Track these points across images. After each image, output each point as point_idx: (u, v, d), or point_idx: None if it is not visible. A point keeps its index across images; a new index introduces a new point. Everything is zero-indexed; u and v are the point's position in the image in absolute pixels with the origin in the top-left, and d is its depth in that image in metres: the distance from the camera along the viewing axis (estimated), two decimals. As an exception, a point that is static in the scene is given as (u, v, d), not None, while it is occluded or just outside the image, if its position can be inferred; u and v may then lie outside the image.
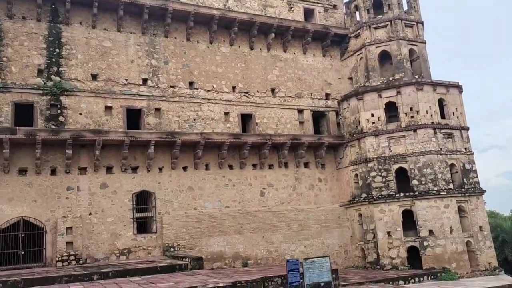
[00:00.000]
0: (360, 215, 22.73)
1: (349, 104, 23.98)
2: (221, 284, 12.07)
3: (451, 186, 21.61)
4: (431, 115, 22.27)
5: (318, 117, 25.24)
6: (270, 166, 22.73)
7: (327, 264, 13.89)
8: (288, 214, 22.35)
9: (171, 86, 21.33)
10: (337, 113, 25.07)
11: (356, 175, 23.19)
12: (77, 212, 18.24)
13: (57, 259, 17.20)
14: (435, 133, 22.06)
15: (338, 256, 22.90)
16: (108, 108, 19.75)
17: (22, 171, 17.75)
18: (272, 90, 23.79)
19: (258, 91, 23.35)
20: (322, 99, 25.06)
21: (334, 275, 15.71)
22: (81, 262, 17.50)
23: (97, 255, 18.17)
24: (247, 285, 12.30)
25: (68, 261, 17.26)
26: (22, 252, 17.06)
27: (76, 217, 18.06)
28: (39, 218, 17.61)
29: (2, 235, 16.97)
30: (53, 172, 18.26)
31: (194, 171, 20.91)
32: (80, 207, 18.37)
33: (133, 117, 20.43)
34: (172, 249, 19.24)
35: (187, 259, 16.40)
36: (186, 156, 20.74)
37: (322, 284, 15.36)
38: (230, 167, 21.77)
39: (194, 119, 21.52)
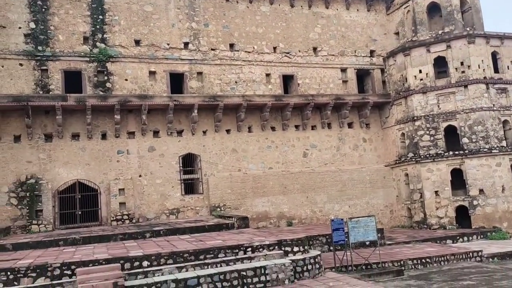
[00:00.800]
0: (406, 174, 22.31)
1: (395, 60, 23.06)
2: (267, 242, 12.37)
3: (504, 143, 20.64)
4: (483, 69, 21.05)
5: (362, 75, 24.51)
6: (313, 127, 22.54)
7: (372, 224, 13.88)
8: (332, 174, 22.29)
9: (212, 49, 21.30)
10: (382, 71, 24.24)
11: (403, 134, 22.59)
12: (128, 174, 19.06)
13: (112, 219, 18.21)
14: (488, 88, 20.92)
15: (384, 216, 22.78)
16: (152, 73, 20.10)
17: (75, 136, 18.61)
18: (314, 49, 23.22)
19: (299, 51, 22.88)
20: (366, 56, 24.23)
21: (379, 234, 15.73)
22: (133, 221, 18.45)
23: (148, 214, 19.07)
24: (292, 243, 12.53)
25: (122, 220, 18.24)
26: (79, 212, 18.17)
27: (127, 179, 18.90)
28: (93, 180, 18.57)
29: (61, 197, 18.09)
30: (104, 136, 19.02)
31: (237, 133, 21.12)
32: (131, 170, 19.16)
33: (176, 82, 20.71)
34: (218, 209, 19.83)
35: (233, 218, 16.87)
36: (229, 119, 20.93)
37: (367, 243, 15.47)
38: (273, 129, 21.79)
39: (236, 82, 21.51)
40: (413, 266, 14.36)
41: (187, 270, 11.07)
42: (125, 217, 18.35)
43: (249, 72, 21.80)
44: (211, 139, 20.64)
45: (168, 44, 20.52)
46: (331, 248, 14.72)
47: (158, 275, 10.73)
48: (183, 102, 19.43)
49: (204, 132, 20.58)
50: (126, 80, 19.65)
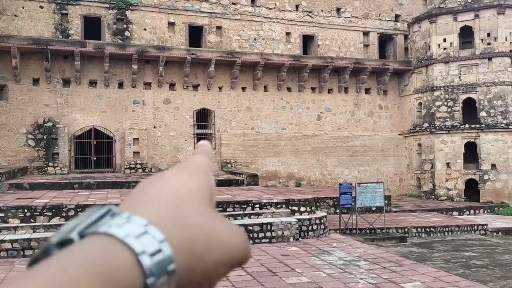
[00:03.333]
0: (419, 144, 22.21)
1: (420, 27, 22.39)
2: (275, 200, 12.63)
3: (523, 120, 20.32)
4: (510, 42, 20.37)
5: (385, 40, 23.93)
6: (330, 91, 22.34)
7: (380, 190, 14.01)
8: (344, 139, 22.29)
9: (233, 3, 20.87)
10: (405, 37, 23.61)
11: (420, 103, 22.30)
12: (143, 124, 19.31)
13: (125, 167, 18.64)
14: (513, 62, 20.35)
15: (392, 183, 22.91)
16: (171, 25, 19.88)
17: (92, 83, 18.76)
18: (338, 9, 22.61)
19: (322, 10, 22.30)
20: (390, 20, 23.54)
21: (386, 201, 15.89)
22: (146, 170, 18.87)
23: (161, 165, 19.46)
24: (299, 203, 12.77)
25: (135, 169, 18.67)
26: (94, 158, 18.62)
27: (142, 129, 19.17)
28: (108, 128, 18.87)
29: (76, 141, 18.50)
30: (120, 85, 19.13)
31: (252, 91, 21.05)
32: (146, 120, 19.39)
33: (195, 35, 20.48)
34: (229, 165, 20.13)
35: (243, 175, 17.15)
36: (245, 77, 20.81)
37: (373, 208, 15.67)
38: (289, 89, 21.65)
39: (255, 39, 21.20)
40: (416, 234, 14.59)
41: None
42: (138, 166, 18.76)
43: (269, 30, 21.42)
44: (226, 96, 20.63)
45: (188, -5, 20.17)
46: (337, 211, 14.98)
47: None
48: (200, 56, 19.30)
49: (220, 88, 20.55)
50: (145, 29, 19.50)
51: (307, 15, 22.03)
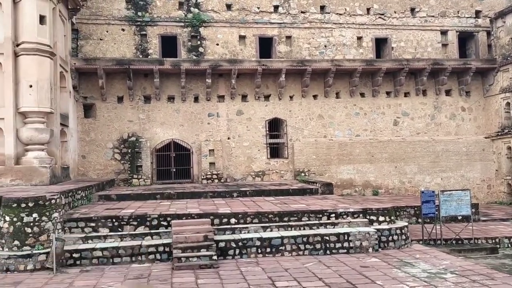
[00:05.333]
0: (509, 148, 20.49)
1: (504, 22, 20.76)
2: (351, 209, 12.31)
3: None
4: None
5: (465, 38, 22.50)
6: (406, 94, 21.42)
7: (466, 198, 13.12)
8: (424, 144, 21.19)
9: (302, 12, 20.89)
10: (488, 33, 22.01)
11: (508, 103, 20.60)
12: (218, 136, 19.89)
13: (202, 177, 19.29)
14: None
15: (480, 190, 21.32)
16: (241, 38, 20.35)
17: (170, 99, 19.73)
18: (412, 9, 21.70)
19: (395, 12, 21.54)
20: (470, 17, 22.10)
21: (473, 209, 14.81)
22: (222, 180, 19.37)
23: (236, 175, 19.87)
24: (378, 213, 12.32)
25: (211, 179, 19.24)
26: (174, 170, 19.49)
27: (217, 140, 19.75)
28: (186, 140, 19.69)
29: (158, 154, 19.52)
30: (196, 99, 19.91)
31: (324, 99, 20.82)
32: (220, 132, 19.96)
33: (265, 46, 20.77)
34: (302, 174, 20.01)
35: (317, 184, 16.94)
36: (316, 84, 20.65)
37: (459, 217, 14.67)
38: (362, 95, 21.11)
39: (325, 46, 21.00)
40: (509, 245, 13.40)
41: (271, 230, 11.49)
42: (214, 176, 19.32)
43: (339, 36, 21.12)
44: (297, 104, 20.61)
45: (258, 8, 20.52)
46: (419, 220, 14.23)
47: (245, 232, 11.27)
48: (271, 66, 19.51)
49: (291, 97, 20.59)
50: (217, 44, 20.15)
51: (379, 17, 21.39)
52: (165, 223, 11.27)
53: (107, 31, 19.34)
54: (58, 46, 16.13)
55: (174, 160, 19.53)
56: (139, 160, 18.89)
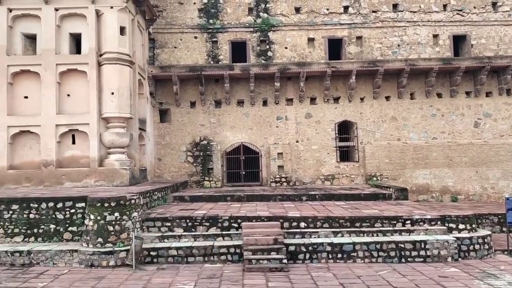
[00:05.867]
0: None
1: None
2: (428, 216, 11.71)
3: None
4: None
5: (557, 31, 20.53)
6: (488, 94, 19.98)
7: (560, 206, 11.91)
8: (509, 148, 19.60)
9: (373, 11, 20.32)
10: None
11: None
12: (286, 139, 19.91)
13: (271, 180, 19.40)
14: None
15: None
16: (310, 40, 20.23)
17: (240, 103, 20.10)
18: (493, 4, 20.24)
19: (474, 7, 20.22)
20: None
21: None
22: (291, 184, 19.35)
23: (304, 179, 19.74)
24: (457, 220, 11.60)
25: (280, 182, 19.29)
26: (243, 172, 19.80)
27: (285, 144, 19.77)
28: (255, 143, 19.94)
29: (228, 157, 19.97)
30: (265, 103, 20.10)
31: (397, 100, 20.04)
32: (288, 135, 19.96)
33: (334, 48, 20.46)
34: (374, 178, 19.39)
35: (390, 189, 16.33)
36: (388, 85, 19.94)
37: (552, 228, 13.39)
38: (439, 95, 20.02)
39: (398, 45, 20.23)
40: None
41: (342, 236, 11.25)
42: (283, 179, 19.34)
43: (413, 34, 20.24)
44: (368, 106, 20.04)
45: (327, 9, 20.29)
46: (504, 229, 13.18)
47: (315, 237, 11.15)
48: (340, 68, 19.17)
49: (362, 99, 20.07)
50: (286, 48, 20.20)
51: (457, 13, 20.20)
52: (235, 225, 11.47)
53: (180, 39, 20.16)
54: (137, 55, 17.11)
55: (244, 163, 19.85)
56: (210, 162, 19.45)
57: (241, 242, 10.76)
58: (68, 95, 15.45)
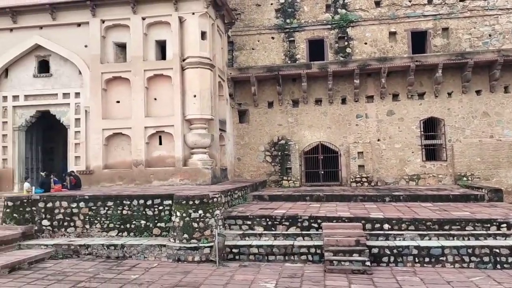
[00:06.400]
0: None
1: None
2: (528, 220, 10.68)
3: None
4: None
5: None
6: None
7: None
8: None
9: (460, 0, 19.02)
10: None
11: None
12: (366, 138, 19.32)
13: (351, 180, 18.95)
14: None
15: None
16: (392, 34, 19.46)
17: (318, 101, 19.89)
18: None
19: None
20: None
21: None
22: (372, 184, 18.75)
23: (387, 179, 19.02)
24: None
25: (361, 182, 18.77)
26: (322, 172, 19.58)
27: (366, 142, 19.20)
28: (333, 142, 19.62)
29: (306, 157, 19.87)
30: (343, 101, 19.68)
31: (489, 94, 18.55)
32: (369, 134, 19.36)
33: (418, 41, 19.46)
34: (464, 178, 18.12)
35: (483, 190, 15.15)
36: (479, 78, 18.54)
37: None
38: (539, 87, 18.23)
39: (490, 35, 18.74)
40: None
41: (430, 239, 10.67)
42: (364, 179, 18.79)
43: (507, 23, 18.64)
44: (457, 102, 18.78)
45: (409, 1, 19.37)
46: None
47: (399, 240, 10.69)
48: (425, 62, 18.19)
49: (449, 94, 18.87)
50: (366, 43, 19.62)
51: (560, -4, 18.20)
52: (315, 225, 11.37)
53: (258, 41, 20.45)
54: (217, 58, 17.66)
55: (322, 163, 19.61)
56: (289, 162, 19.48)
57: (321, 242, 10.63)
58: (155, 98, 16.37)
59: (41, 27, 16.95)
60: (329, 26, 19.86)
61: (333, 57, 19.72)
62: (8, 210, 12.58)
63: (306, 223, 11.44)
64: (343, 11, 19.84)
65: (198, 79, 16.10)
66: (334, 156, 19.62)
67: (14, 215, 12.50)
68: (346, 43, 19.77)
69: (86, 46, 16.68)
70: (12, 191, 16.60)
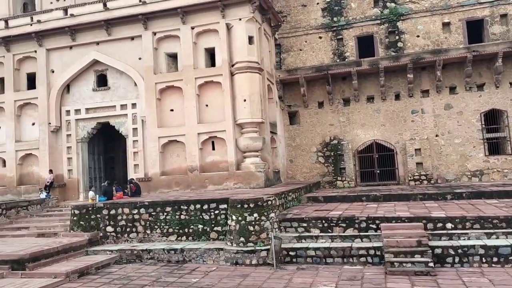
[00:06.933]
0: None
1: None
2: None
3: None
4: None
5: None
6: None
7: None
8: None
9: (520, -17, 17.90)
10: None
11: None
12: (423, 134, 18.61)
13: (409, 178, 18.29)
14: None
15: None
16: (445, 25, 18.65)
17: (370, 99, 19.43)
18: None
19: None
20: None
21: None
22: (432, 182, 17.99)
23: (447, 175, 18.20)
24: None
25: (419, 180, 18.07)
26: (378, 171, 19.07)
27: (423, 139, 18.48)
28: (388, 140, 19.05)
29: (360, 156, 19.44)
30: (397, 97, 19.09)
31: (558, 81, 17.27)
32: (426, 129, 18.63)
33: (474, 30, 18.50)
34: (533, 173, 16.97)
35: (555, 184, 14.10)
36: (546, 65, 17.32)
37: None
38: None
39: (556, 17, 17.44)
40: None
41: (497, 237, 10.07)
42: (423, 177, 18.09)
43: None
44: (521, 91, 17.65)
45: (463, -11, 18.49)
46: None
47: (464, 239, 10.17)
48: (483, 51, 17.27)
49: (511, 84, 17.76)
50: (418, 36, 18.94)
51: None
52: (373, 226, 11.07)
53: (305, 41, 20.33)
54: (265, 62, 17.76)
55: (377, 161, 19.11)
56: (342, 162, 19.16)
57: (380, 244, 10.34)
58: (206, 105, 16.73)
59: (97, 43, 17.85)
60: (378, 21, 19.36)
61: (383, 53, 19.20)
62: (75, 218, 13.33)
63: (363, 224, 11.18)
64: (392, 4, 19.27)
65: (247, 83, 16.26)
66: (389, 154, 19.06)
67: (81, 222, 13.22)
68: (397, 37, 19.18)
69: (140, 58, 17.36)
70: (78, 200, 17.58)
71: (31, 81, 18.86)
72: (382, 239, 10.35)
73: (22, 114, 18.81)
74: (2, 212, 15.19)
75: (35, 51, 18.51)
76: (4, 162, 18.77)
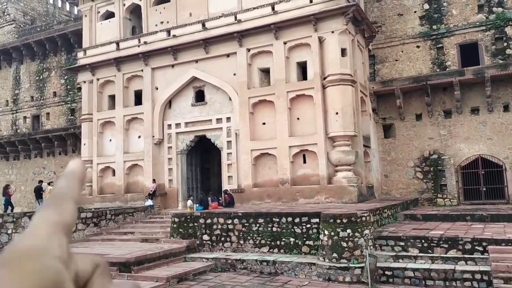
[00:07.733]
0: None
1: None
2: None
3: None
4: None
5: None
6: None
7: None
8: None
9: None
10: None
11: None
12: (538, 149, 16.76)
13: (521, 198, 16.56)
14: None
15: None
16: None
17: (474, 110, 18.02)
18: None
19: None
20: None
21: None
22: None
23: None
24: None
25: (534, 200, 16.25)
26: (484, 189, 17.51)
27: (538, 154, 16.65)
28: (496, 155, 17.46)
29: (463, 172, 18.04)
30: (506, 108, 17.48)
31: None
32: (541, 144, 16.76)
33: None
34: None
35: None
36: None
37: None
38: None
39: None
40: None
41: None
42: (538, 197, 16.25)
43: None
44: None
45: None
46: None
47: None
48: None
49: None
50: (531, 41, 17.24)
51: None
52: (479, 248, 10.16)
53: (402, 51, 19.56)
54: (358, 74, 17.41)
55: (483, 178, 17.56)
56: (443, 178, 17.94)
57: (488, 268, 9.43)
58: (298, 118, 16.81)
59: (196, 61, 18.95)
60: (483, 28, 17.99)
61: (490, 61, 17.75)
62: (175, 225, 14.13)
63: (468, 246, 10.32)
64: (499, 9, 17.80)
65: (339, 96, 16.06)
66: (497, 171, 17.43)
67: (180, 230, 13.98)
68: (505, 44, 17.63)
69: (234, 74, 18.06)
70: (177, 208, 18.64)
71: (138, 98, 20.55)
72: (489, 262, 9.45)
73: (130, 128, 20.53)
74: (111, 218, 16.65)
75: (142, 70, 20.18)
76: (113, 171, 20.58)
